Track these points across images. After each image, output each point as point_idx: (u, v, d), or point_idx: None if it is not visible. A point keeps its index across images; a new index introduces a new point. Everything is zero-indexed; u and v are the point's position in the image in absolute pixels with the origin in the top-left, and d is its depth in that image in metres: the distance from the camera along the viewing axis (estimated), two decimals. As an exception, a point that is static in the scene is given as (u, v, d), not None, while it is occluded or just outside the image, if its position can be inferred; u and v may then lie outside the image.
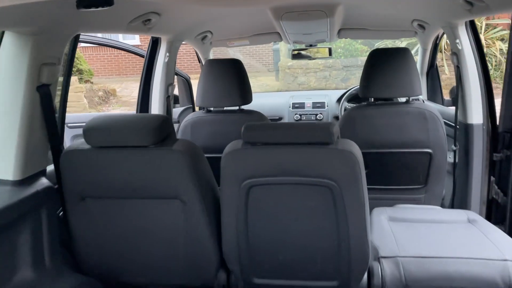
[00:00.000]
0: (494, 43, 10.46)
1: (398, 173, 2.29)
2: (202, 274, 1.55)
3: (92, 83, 10.98)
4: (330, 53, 3.26)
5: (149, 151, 1.39)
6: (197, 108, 2.95)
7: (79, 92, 9.53)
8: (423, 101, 2.86)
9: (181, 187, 1.41)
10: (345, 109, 3.30)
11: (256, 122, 1.89)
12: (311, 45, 3.21)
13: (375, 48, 3.05)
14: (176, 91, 3.57)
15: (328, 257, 1.45)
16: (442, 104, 3.15)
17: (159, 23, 1.96)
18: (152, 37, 2.46)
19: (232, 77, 2.20)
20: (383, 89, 2.12)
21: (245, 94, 2.24)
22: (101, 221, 1.49)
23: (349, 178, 1.31)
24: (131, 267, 1.56)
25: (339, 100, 3.42)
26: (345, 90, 3.44)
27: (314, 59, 3.29)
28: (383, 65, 2.11)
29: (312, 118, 3.38)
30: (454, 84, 2.38)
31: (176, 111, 3.34)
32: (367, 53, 2.17)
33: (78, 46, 1.80)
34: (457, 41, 2.15)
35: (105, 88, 10.84)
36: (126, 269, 1.57)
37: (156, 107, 2.48)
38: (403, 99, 2.37)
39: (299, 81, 10.42)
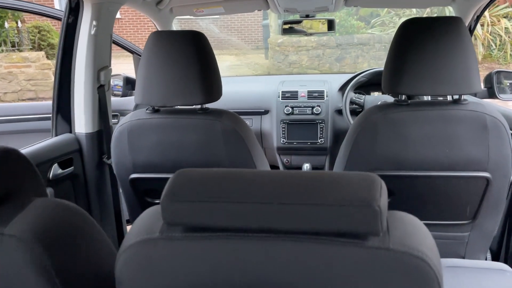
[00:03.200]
0: (499, 20, 9.73)
1: (436, 204, 1.55)
2: None
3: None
4: (331, 27, 2.47)
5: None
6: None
7: (47, 70, 8.59)
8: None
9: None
10: (351, 102, 2.53)
11: (226, 128, 1.45)
12: (307, 16, 2.41)
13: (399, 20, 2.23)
14: (131, 74, 2.74)
15: None
16: (475, 95, 2.39)
17: None
18: (70, -2, 1.63)
19: (190, 60, 1.42)
20: (424, 83, 1.35)
21: (211, 86, 1.46)
22: None
23: None
24: None
25: (342, 88, 2.64)
26: (350, 75, 2.65)
27: (310, 34, 2.48)
28: (424, 45, 1.35)
29: (308, 111, 2.60)
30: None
31: (127, 100, 2.56)
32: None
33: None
34: None
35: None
36: None
37: (81, 101, 1.70)
38: (449, 97, 1.62)
39: (290, 60, 9.59)
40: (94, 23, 1.63)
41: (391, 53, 1.43)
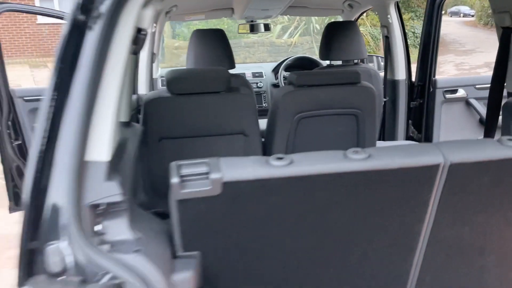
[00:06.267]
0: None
1: None
2: None
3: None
4: (267, 28, 3.76)
5: (222, 95, 1.74)
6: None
7: None
8: None
9: (245, 123, 1.79)
10: (284, 78, 3.85)
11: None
12: (252, 21, 3.67)
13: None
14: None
15: None
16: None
17: None
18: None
19: (219, 44, 2.55)
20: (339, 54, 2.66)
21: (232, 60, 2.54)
22: (174, 159, 1.79)
23: (369, 107, 1.86)
24: None
25: (275, 69, 3.96)
26: (276, 63, 4.00)
27: (256, 33, 3.76)
28: (337, 35, 2.66)
29: (254, 86, 3.86)
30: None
31: None
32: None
33: None
34: (388, 16, 2.85)
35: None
36: None
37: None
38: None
39: (187, 62, 10.70)
40: (154, 25, 2.67)
41: (323, 40, 2.75)
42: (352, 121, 1.88)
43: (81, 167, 0.87)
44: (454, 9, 29.81)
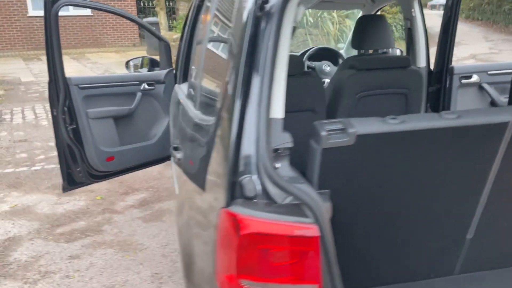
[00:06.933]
0: (344, 20, 12.58)
1: None
2: None
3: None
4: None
5: (297, 77, 2.04)
6: None
7: None
8: None
9: (315, 102, 2.10)
10: (308, 67, 4.16)
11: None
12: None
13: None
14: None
15: None
16: None
17: None
18: None
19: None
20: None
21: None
22: None
23: (417, 88, 2.18)
24: None
25: (299, 58, 4.26)
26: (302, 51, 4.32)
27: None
28: (368, 25, 2.99)
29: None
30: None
31: (159, 73, 3.76)
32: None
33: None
34: (413, 10, 3.17)
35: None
36: None
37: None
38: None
39: (186, 54, 10.87)
40: None
41: (356, 31, 3.07)
42: (402, 100, 2.21)
43: (268, 122, 1.17)
44: (434, 2, 30.46)
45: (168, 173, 4.82)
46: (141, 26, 3.91)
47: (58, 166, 4.88)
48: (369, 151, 1.33)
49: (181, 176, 1.93)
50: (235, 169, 1.15)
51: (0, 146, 5.76)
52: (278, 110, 1.21)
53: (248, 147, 1.15)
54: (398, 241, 1.56)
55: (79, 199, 4.20)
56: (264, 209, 1.12)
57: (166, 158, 3.96)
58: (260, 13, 1.17)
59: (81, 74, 10.51)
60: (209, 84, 1.68)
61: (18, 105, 8.03)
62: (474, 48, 13.94)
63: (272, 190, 1.13)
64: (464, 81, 3.27)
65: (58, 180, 4.62)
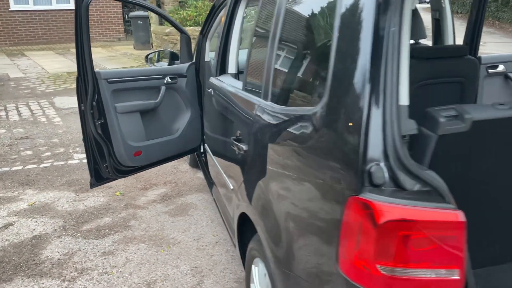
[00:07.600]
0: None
1: None
2: None
3: None
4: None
5: None
6: None
7: None
8: None
9: None
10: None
11: None
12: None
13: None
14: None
15: None
16: None
17: None
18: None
19: None
20: None
21: None
22: None
23: (473, 76, 2.22)
24: None
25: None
26: None
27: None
28: None
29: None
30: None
31: (181, 67, 3.71)
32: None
33: None
34: (442, 0, 3.22)
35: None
36: None
37: None
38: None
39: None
40: None
41: None
42: (457, 88, 2.24)
43: (398, 110, 1.17)
44: (416, -5, 30.80)
45: (182, 168, 4.78)
46: (165, 19, 3.85)
47: (68, 163, 4.79)
48: (483, 137, 1.35)
49: (252, 167, 1.92)
50: (364, 157, 1.15)
51: (2, 144, 5.60)
52: (404, 97, 1.22)
53: (375, 135, 1.15)
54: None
55: (98, 195, 4.12)
56: (401, 196, 1.12)
57: (189, 152, 3.93)
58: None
59: (72, 70, 10.28)
60: (306, 75, 1.67)
61: (11, 101, 7.80)
62: (458, 41, 14.18)
63: (402, 177, 1.14)
64: (490, 70, 3.34)
65: (71, 176, 4.54)
